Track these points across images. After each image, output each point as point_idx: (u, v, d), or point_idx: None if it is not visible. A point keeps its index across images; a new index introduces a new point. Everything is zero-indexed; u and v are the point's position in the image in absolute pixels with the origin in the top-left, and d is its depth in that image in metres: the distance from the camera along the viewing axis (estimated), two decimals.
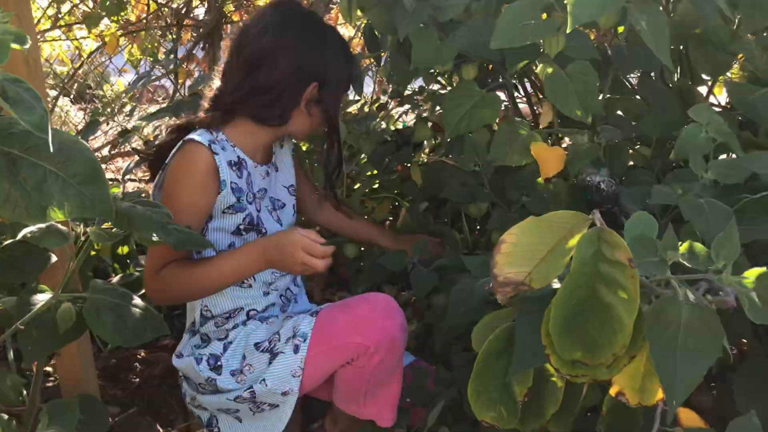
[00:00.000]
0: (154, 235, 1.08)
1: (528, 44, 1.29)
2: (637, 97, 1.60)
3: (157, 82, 3.27)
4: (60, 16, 3.26)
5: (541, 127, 1.53)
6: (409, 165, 2.17)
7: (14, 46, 0.65)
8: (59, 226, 1.05)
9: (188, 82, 3.18)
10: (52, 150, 0.68)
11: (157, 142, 1.42)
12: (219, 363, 1.34)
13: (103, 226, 1.04)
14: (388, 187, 2.17)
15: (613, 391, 0.90)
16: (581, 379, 0.84)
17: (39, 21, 3.32)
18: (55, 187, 0.71)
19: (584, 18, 1.16)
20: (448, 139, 1.58)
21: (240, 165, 1.34)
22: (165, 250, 1.27)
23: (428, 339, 1.67)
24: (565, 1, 1.39)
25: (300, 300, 1.55)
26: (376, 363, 1.29)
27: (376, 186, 2.19)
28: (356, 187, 2.12)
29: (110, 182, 3.51)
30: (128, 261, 1.95)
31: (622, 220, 1.27)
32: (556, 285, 0.90)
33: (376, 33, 1.77)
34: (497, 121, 1.64)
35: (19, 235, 1.03)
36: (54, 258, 1.16)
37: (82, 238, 1.02)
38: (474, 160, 1.50)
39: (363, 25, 2.34)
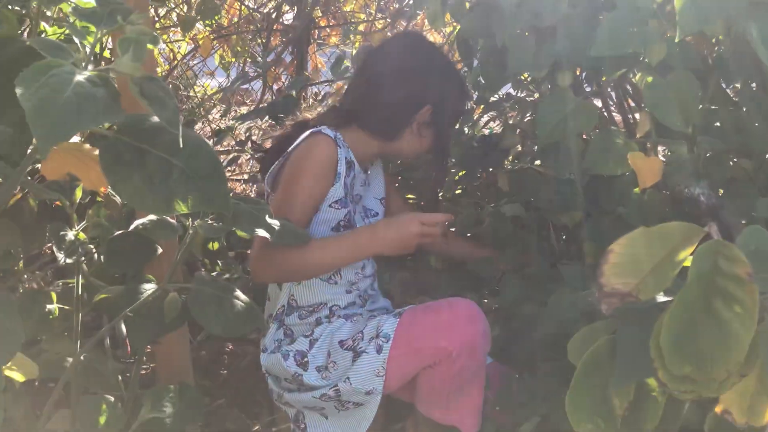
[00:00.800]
0: (258, 230, 1.12)
1: (628, 52, 1.27)
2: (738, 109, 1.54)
3: (244, 85, 3.37)
4: (156, 19, 3.40)
5: (638, 136, 1.49)
6: (493, 170, 2.16)
7: (149, 46, 0.68)
8: (169, 219, 1.10)
9: (275, 86, 3.27)
10: (181, 146, 0.71)
11: (275, 134, 1.55)
12: (305, 359, 1.37)
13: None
14: (471, 192, 2.17)
15: (718, 409, 0.87)
16: (687, 395, 0.82)
17: None
18: (179, 181, 0.74)
19: (693, 28, 1.13)
20: (541, 147, 1.56)
21: (350, 166, 1.40)
22: (297, 218, 1.34)
23: (510, 346, 1.65)
24: (668, 8, 1.36)
25: (377, 300, 1.57)
26: (458, 368, 1.29)
27: (458, 191, 2.19)
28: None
29: None
30: (219, 258, 2.01)
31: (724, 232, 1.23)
32: (662, 298, 0.88)
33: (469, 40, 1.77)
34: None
35: (132, 226, 1.08)
36: (159, 250, 1.21)
37: (190, 232, 1.06)
38: (569, 168, 1.48)
39: (455, 32, 2.34)
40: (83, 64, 0.65)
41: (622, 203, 1.45)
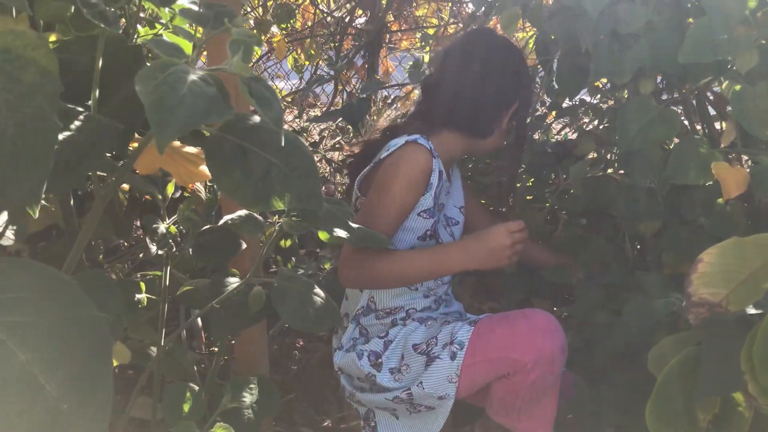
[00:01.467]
0: (337, 231, 1.15)
1: (716, 60, 1.25)
2: None
3: (317, 88, 3.43)
4: None
5: (722, 146, 1.46)
6: (566, 177, 2.14)
7: (255, 48, 0.71)
8: (256, 215, 1.14)
9: (346, 89, 3.32)
10: (283, 144, 0.74)
11: (363, 140, 1.57)
12: (380, 360, 1.39)
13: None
14: (542, 198, 2.15)
15: None
16: None
17: None
18: (277, 178, 0.77)
19: None
20: (621, 154, 1.54)
21: (440, 175, 1.41)
22: (382, 229, 1.34)
23: (583, 354, 1.63)
24: (759, 15, 1.33)
25: (451, 304, 1.58)
26: (532, 380, 1.29)
27: (530, 198, 2.18)
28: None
29: None
30: (291, 255, 2.05)
31: None
32: (753, 310, 0.86)
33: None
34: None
35: (221, 222, 1.12)
36: (244, 245, 1.25)
37: (276, 228, 1.09)
38: (649, 177, 1.45)
39: (528, 37, 2.33)
40: (193, 64, 0.69)
41: (704, 214, 1.42)
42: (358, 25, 3.36)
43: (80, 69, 0.89)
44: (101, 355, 0.61)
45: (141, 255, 2.40)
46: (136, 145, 1.20)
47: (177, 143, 1.37)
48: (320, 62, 3.43)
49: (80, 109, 0.77)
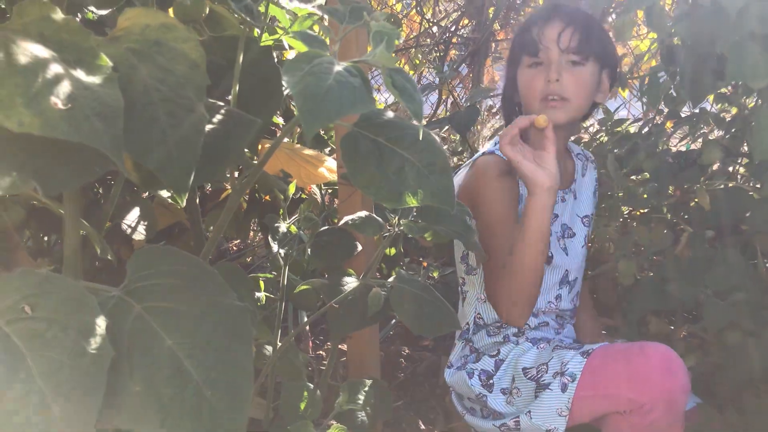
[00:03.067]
0: (450, 234, 1.12)
1: None
2: None
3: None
4: None
5: None
6: (687, 187, 2.03)
7: (396, 42, 0.70)
8: (375, 216, 1.13)
9: (450, 98, 3.30)
10: (420, 139, 0.72)
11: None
12: (491, 381, 1.34)
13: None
14: (660, 209, 2.05)
15: None
16: None
17: None
18: (410, 174, 0.75)
19: None
20: (751, 164, 1.44)
21: None
22: (504, 247, 1.25)
23: (710, 377, 1.53)
24: None
25: (566, 326, 1.49)
26: (651, 421, 1.19)
27: (646, 210, 2.08)
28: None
29: None
30: (396, 263, 2.04)
31: None
32: None
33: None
34: None
35: (341, 222, 1.12)
36: (360, 247, 1.25)
37: (397, 230, 1.08)
38: None
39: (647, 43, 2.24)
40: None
41: None
42: (464, 34, 3.34)
43: (214, 67, 0.92)
44: (243, 344, 0.61)
45: (249, 259, 2.46)
46: (260, 146, 1.22)
47: (298, 145, 1.39)
48: (424, 72, 3.42)
49: (221, 103, 0.79)
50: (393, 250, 2.15)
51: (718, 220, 1.76)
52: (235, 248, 2.63)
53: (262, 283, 1.26)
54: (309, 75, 0.62)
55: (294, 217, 1.21)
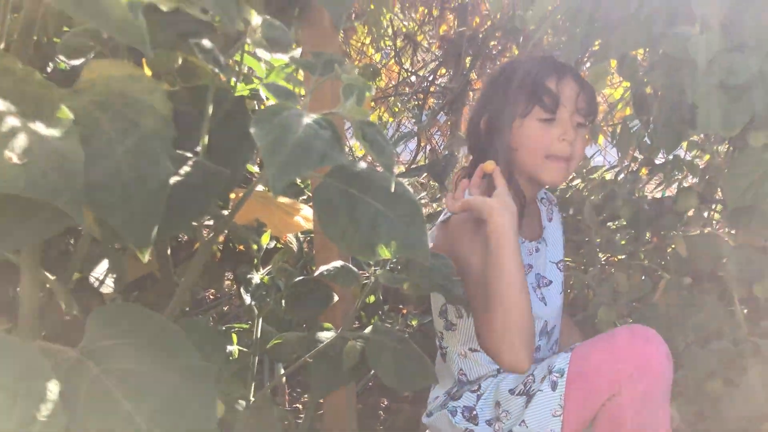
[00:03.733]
0: (435, 285, 1.11)
1: None
2: None
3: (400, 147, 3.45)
4: None
5: None
6: (664, 234, 2.04)
7: (368, 94, 0.70)
8: (351, 266, 1.11)
9: (428, 146, 3.32)
10: (393, 191, 0.71)
11: None
12: (474, 413, 1.31)
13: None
14: (637, 256, 2.06)
15: None
16: None
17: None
18: (384, 226, 0.74)
19: None
20: (730, 210, 1.45)
21: None
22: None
23: (691, 426, 1.51)
24: None
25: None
26: (641, 394, 1.15)
27: (623, 257, 2.09)
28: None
29: None
30: (375, 311, 2.02)
31: None
32: None
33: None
34: None
35: (317, 273, 1.10)
36: (336, 298, 1.23)
37: (372, 280, 1.06)
38: (765, 235, 1.35)
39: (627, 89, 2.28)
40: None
41: None
42: (442, 83, 3.38)
43: (188, 118, 0.91)
44: (206, 406, 0.58)
45: (225, 308, 2.42)
46: (233, 195, 1.21)
47: (271, 193, 1.37)
48: (404, 119, 3.45)
49: (189, 155, 0.77)
50: (372, 298, 2.12)
51: (694, 266, 1.76)
52: (212, 297, 2.59)
53: (235, 336, 1.23)
54: (278, 127, 0.61)
55: (267, 268, 1.18)
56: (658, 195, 2.16)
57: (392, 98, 3.32)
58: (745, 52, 1.35)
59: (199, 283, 1.33)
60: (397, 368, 1.04)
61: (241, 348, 1.23)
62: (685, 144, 1.99)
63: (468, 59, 3.14)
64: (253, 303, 1.13)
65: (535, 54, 2.20)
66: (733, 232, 1.99)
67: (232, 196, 1.35)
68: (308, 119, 0.63)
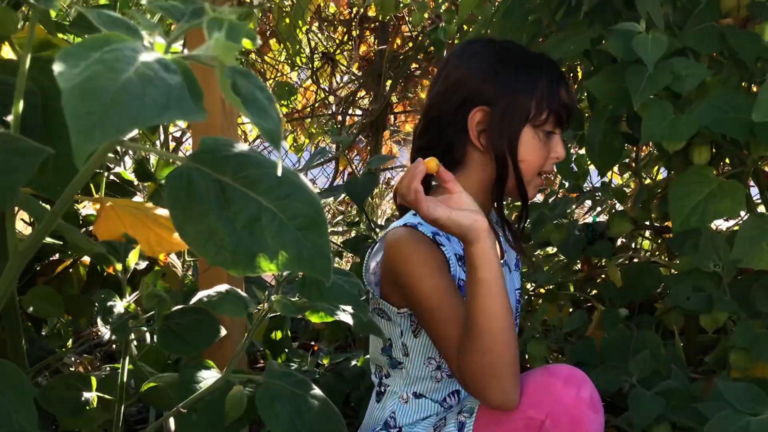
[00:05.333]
0: (338, 312, 0.90)
1: None
2: None
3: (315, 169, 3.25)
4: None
5: None
6: (596, 262, 1.92)
7: (246, 42, 0.49)
8: (239, 291, 0.89)
9: (347, 170, 3.14)
10: (279, 173, 0.51)
11: None
12: None
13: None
14: (566, 286, 1.92)
15: None
16: None
17: None
18: (270, 229, 0.53)
19: None
20: (675, 235, 1.32)
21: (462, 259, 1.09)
22: (455, 322, 1.00)
23: None
24: None
25: None
26: None
27: (552, 287, 1.95)
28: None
29: None
30: (282, 349, 1.78)
31: None
32: None
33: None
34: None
35: (194, 300, 0.88)
36: (223, 331, 1.00)
37: (263, 307, 0.85)
38: (711, 261, 1.22)
39: None
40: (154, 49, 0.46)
41: None
42: (362, 106, 3.22)
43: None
44: None
45: (114, 346, 2.12)
46: (97, 206, 0.96)
47: (149, 204, 1.14)
48: (321, 142, 3.26)
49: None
50: (279, 334, 1.89)
51: (629, 297, 1.63)
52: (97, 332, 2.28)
53: (94, 380, 0.98)
54: (97, 64, 0.40)
55: (134, 294, 0.95)
56: (589, 219, 2.04)
57: (308, 120, 3.13)
58: (690, 58, 1.23)
59: (53, 312, 1.07)
60: (294, 421, 0.82)
61: (103, 395, 0.99)
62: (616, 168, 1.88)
63: (389, 81, 3.00)
64: (113, 337, 0.89)
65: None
66: (666, 258, 1.89)
67: (96, 207, 1.12)
68: (148, 56, 0.42)
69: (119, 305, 0.91)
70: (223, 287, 0.88)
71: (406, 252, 1.05)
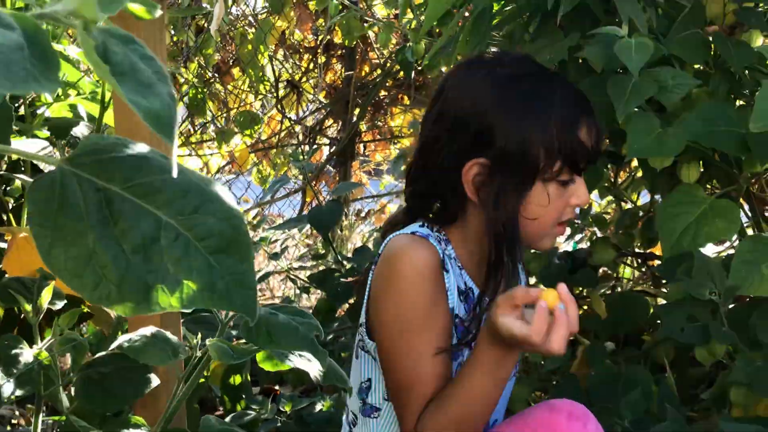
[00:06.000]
0: (293, 358, 0.77)
1: None
2: None
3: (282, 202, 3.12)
4: (192, 131, 3.21)
5: None
6: (579, 293, 1.80)
7: (138, 10, 0.37)
8: (169, 334, 0.75)
9: (314, 202, 3.01)
10: (175, 177, 0.38)
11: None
12: None
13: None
14: None
15: None
16: None
17: None
18: (172, 251, 0.40)
19: None
20: (664, 260, 1.21)
21: (467, 295, 0.95)
22: (423, 382, 0.88)
23: None
24: None
25: None
26: None
27: None
28: None
29: None
30: (241, 394, 1.63)
31: None
32: None
33: None
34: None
35: (113, 345, 0.74)
36: (156, 381, 0.85)
37: (198, 354, 0.71)
38: (706, 289, 1.11)
39: None
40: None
41: None
42: (330, 135, 3.12)
43: None
44: None
45: None
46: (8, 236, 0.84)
47: None
48: (288, 174, 3.13)
49: None
50: (238, 378, 1.74)
51: (615, 329, 1.52)
52: None
53: None
54: None
55: (48, 339, 0.80)
56: (568, 248, 1.93)
57: (274, 150, 3.01)
58: (675, 67, 1.14)
59: None
60: None
61: None
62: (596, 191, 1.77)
63: (357, 110, 2.90)
64: (18, 391, 0.74)
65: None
66: (652, 287, 1.78)
67: (8, 237, 0.97)
68: None
69: (27, 353, 0.77)
70: (148, 329, 0.74)
71: (412, 270, 0.88)
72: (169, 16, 2.60)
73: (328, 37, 2.89)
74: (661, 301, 1.75)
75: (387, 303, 0.90)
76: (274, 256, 1.84)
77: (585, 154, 0.91)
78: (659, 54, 1.06)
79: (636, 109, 1.12)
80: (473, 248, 0.94)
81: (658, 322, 1.46)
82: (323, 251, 2.22)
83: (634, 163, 1.66)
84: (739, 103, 1.26)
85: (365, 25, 2.29)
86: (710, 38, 1.14)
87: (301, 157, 2.90)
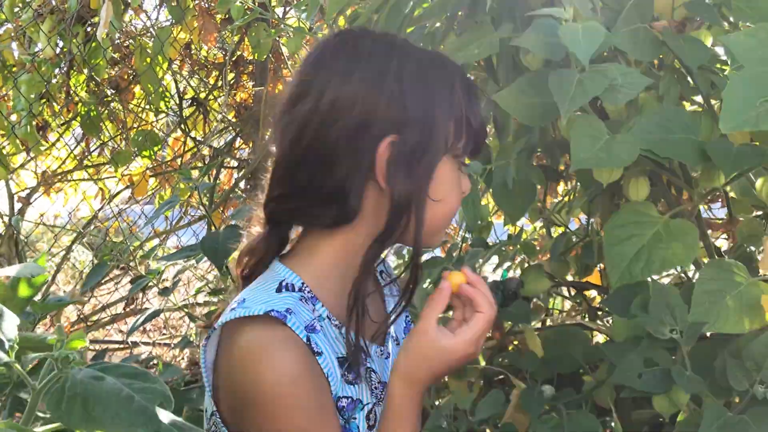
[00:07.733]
0: None
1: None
2: None
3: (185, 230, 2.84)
4: (87, 154, 2.90)
5: (761, 272, 0.99)
6: (510, 328, 1.62)
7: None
8: None
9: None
10: None
11: None
12: None
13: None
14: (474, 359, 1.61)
15: None
16: None
17: (64, 161, 2.97)
18: None
19: None
20: (613, 291, 1.03)
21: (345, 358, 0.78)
22: None
23: None
24: None
25: None
26: None
27: None
28: None
29: (113, 345, 2.87)
30: None
31: None
32: None
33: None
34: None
35: None
36: None
37: None
38: (665, 324, 0.94)
39: None
40: None
41: (761, 379, 0.90)
42: (240, 156, 2.87)
43: None
44: None
45: None
46: None
47: None
48: (193, 200, 2.85)
49: None
50: None
51: (553, 369, 1.33)
52: None
53: None
54: None
55: None
56: (497, 277, 1.75)
57: (176, 174, 2.73)
58: (622, 64, 0.97)
59: None
60: None
61: None
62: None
63: (268, 131, 2.67)
64: None
65: None
66: (595, 321, 1.62)
67: None
68: None
69: None
70: None
71: (264, 373, 0.69)
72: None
73: (238, 52, 2.67)
74: (599, 335, 1.60)
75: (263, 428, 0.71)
76: (164, 292, 1.58)
77: (483, 130, 0.84)
78: (608, 45, 0.90)
79: (578, 113, 0.96)
80: (344, 270, 0.79)
81: (601, 360, 1.28)
82: (221, 285, 1.96)
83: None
84: (689, 108, 1.11)
85: (278, 37, 2.08)
86: (659, 34, 0.99)
87: (195, 174, 2.64)
